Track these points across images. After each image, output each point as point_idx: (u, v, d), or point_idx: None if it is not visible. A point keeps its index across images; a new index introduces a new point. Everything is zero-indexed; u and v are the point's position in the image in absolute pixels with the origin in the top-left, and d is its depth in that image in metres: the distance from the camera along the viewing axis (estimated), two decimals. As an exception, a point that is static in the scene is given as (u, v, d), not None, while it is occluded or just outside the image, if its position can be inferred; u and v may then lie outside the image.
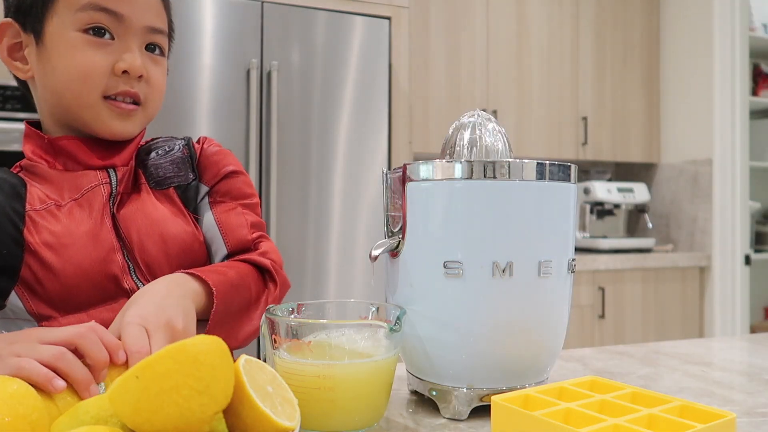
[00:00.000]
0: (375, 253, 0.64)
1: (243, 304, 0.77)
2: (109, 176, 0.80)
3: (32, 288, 0.73)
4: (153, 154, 0.87)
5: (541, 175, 0.61)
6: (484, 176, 0.60)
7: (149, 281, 0.76)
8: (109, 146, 0.81)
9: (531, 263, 0.60)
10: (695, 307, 2.94)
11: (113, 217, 0.78)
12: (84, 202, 0.77)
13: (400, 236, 0.64)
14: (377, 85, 2.24)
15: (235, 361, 0.51)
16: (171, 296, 0.66)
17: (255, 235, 0.86)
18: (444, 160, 0.61)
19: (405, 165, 0.64)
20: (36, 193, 0.77)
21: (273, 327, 0.59)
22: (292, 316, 0.63)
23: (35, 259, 0.73)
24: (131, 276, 0.77)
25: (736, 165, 2.88)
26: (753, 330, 3.22)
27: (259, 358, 0.68)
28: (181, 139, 0.90)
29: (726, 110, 2.88)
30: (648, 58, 3.14)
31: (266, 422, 0.47)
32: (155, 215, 0.80)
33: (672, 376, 0.78)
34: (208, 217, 0.85)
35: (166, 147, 0.88)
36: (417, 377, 0.66)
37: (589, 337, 2.72)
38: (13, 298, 0.74)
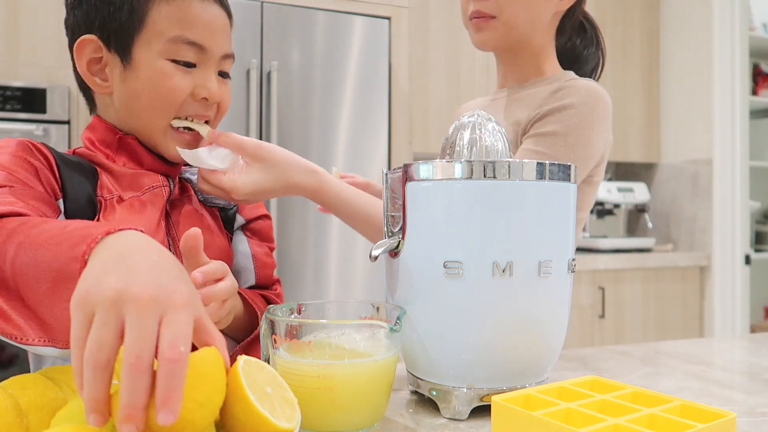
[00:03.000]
0: (375, 253, 0.64)
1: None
2: (168, 181, 0.84)
3: None
4: (196, 176, 0.90)
5: (541, 175, 0.61)
6: (484, 176, 0.60)
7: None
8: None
9: (531, 263, 0.60)
10: (695, 307, 2.94)
11: (167, 218, 0.82)
12: (146, 200, 0.80)
13: (400, 236, 0.64)
14: (377, 85, 2.24)
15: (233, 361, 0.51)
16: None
17: (276, 278, 0.97)
18: (444, 160, 0.61)
19: (405, 165, 0.64)
20: (104, 181, 0.80)
21: (273, 327, 0.59)
22: (292, 316, 0.63)
23: None
24: None
25: (736, 165, 2.88)
26: (753, 330, 3.22)
27: (259, 358, 0.68)
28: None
29: (726, 110, 2.88)
30: (648, 58, 3.14)
31: (264, 424, 0.47)
32: (202, 225, 0.85)
33: (672, 376, 0.78)
34: (244, 247, 0.92)
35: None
36: (417, 377, 0.66)
37: (589, 337, 2.72)
38: None
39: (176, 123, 0.81)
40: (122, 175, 0.81)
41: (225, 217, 0.92)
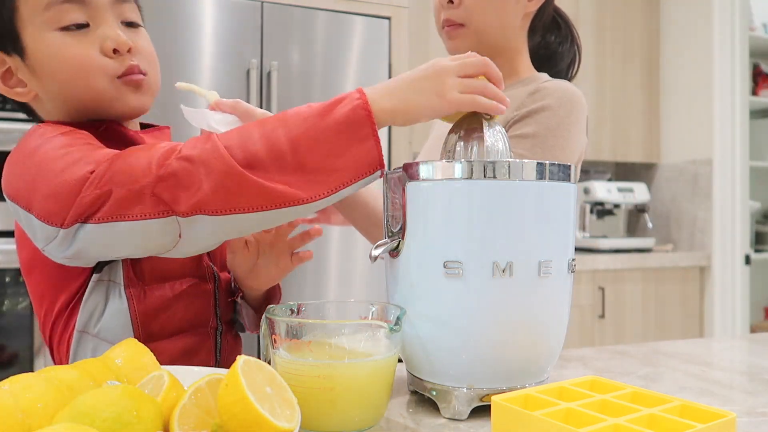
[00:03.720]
0: (375, 253, 0.64)
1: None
2: None
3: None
4: None
5: (541, 175, 0.61)
6: (484, 176, 0.60)
7: (214, 263, 0.84)
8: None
9: (531, 263, 0.60)
10: (695, 307, 2.94)
11: None
12: None
13: (400, 236, 0.64)
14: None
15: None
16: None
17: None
18: (444, 160, 0.61)
19: (405, 165, 0.64)
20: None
21: (273, 327, 0.59)
22: (292, 316, 0.63)
23: None
24: (209, 256, 0.83)
25: (736, 165, 2.88)
26: (753, 330, 3.22)
27: (259, 358, 0.68)
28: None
29: (726, 110, 2.88)
30: (648, 58, 3.14)
31: (264, 425, 0.47)
32: None
33: (672, 376, 0.78)
34: None
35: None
36: (417, 377, 0.66)
37: (589, 337, 2.72)
38: (117, 261, 0.76)
39: (181, 85, 0.80)
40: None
41: None
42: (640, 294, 2.82)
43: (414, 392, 0.70)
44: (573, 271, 0.65)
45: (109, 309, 0.76)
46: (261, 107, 2.09)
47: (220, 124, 0.78)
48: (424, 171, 0.62)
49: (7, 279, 1.91)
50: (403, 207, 0.64)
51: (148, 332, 0.77)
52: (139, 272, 0.77)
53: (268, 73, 2.08)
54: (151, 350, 0.66)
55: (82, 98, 0.76)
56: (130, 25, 0.79)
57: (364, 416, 0.58)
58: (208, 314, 0.82)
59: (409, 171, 0.63)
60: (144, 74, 0.78)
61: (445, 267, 0.60)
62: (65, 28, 0.73)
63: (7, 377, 0.49)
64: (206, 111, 0.79)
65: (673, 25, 3.11)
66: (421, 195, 0.62)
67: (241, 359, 0.50)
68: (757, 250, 3.30)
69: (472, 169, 0.60)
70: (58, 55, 0.73)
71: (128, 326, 0.76)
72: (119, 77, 0.76)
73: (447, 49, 1.03)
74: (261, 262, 0.86)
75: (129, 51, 0.76)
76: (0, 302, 1.91)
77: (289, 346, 0.58)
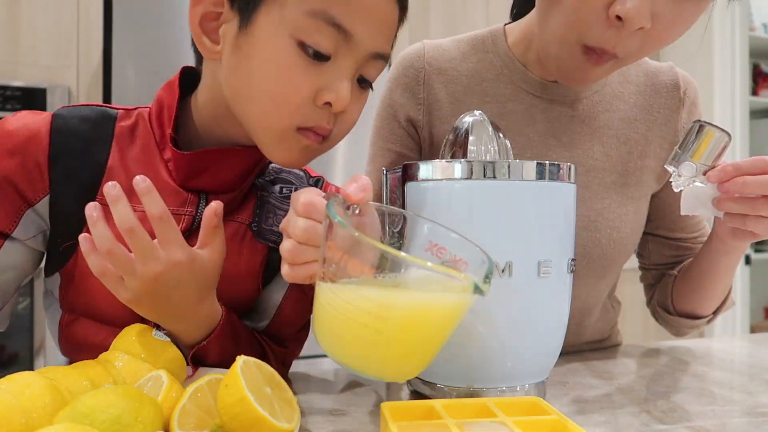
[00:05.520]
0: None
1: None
2: (198, 205, 0.69)
3: (70, 281, 0.69)
4: (277, 189, 0.77)
5: (540, 175, 0.61)
6: (484, 176, 0.59)
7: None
8: (228, 164, 0.69)
9: (530, 263, 0.60)
10: (695, 307, 2.94)
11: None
12: None
13: (400, 236, 0.64)
14: (377, 85, 2.23)
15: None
16: None
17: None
18: (444, 160, 0.61)
19: (405, 165, 0.64)
20: (115, 176, 0.68)
21: (332, 231, 0.49)
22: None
23: (82, 259, 0.64)
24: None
25: (736, 165, 2.88)
26: (753, 330, 3.22)
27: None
28: (312, 182, 0.81)
29: (726, 110, 2.88)
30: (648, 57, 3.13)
31: (264, 425, 0.47)
32: (227, 271, 0.67)
33: (672, 375, 0.78)
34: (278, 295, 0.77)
35: (294, 187, 0.78)
36: (417, 377, 0.66)
37: (589, 337, 2.71)
38: (56, 277, 0.71)
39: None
40: (146, 174, 0.64)
41: (271, 259, 0.75)
42: (640, 294, 2.81)
43: (414, 392, 0.70)
44: (573, 271, 0.65)
45: (52, 324, 0.75)
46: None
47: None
48: (423, 171, 0.62)
49: (7, 279, 1.91)
50: (403, 207, 0.64)
51: (72, 360, 0.72)
52: (69, 300, 0.70)
53: (268, 73, 2.08)
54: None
55: (248, 115, 0.64)
56: (364, 82, 0.67)
57: (407, 368, 0.52)
58: None
59: (409, 171, 0.63)
60: (324, 137, 0.66)
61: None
62: (303, 46, 0.60)
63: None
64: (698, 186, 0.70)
65: (673, 25, 3.11)
66: (421, 195, 0.62)
67: (241, 359, 0.50)
68: (757, 251, 3.30)
69: (471, 169, 0.60)
70: (273, 64, 0.61)
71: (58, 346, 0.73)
72: (300, 129, 0.63)
73: (575, 79, 0.77)
74: None
75: (338, 113, 0.64)
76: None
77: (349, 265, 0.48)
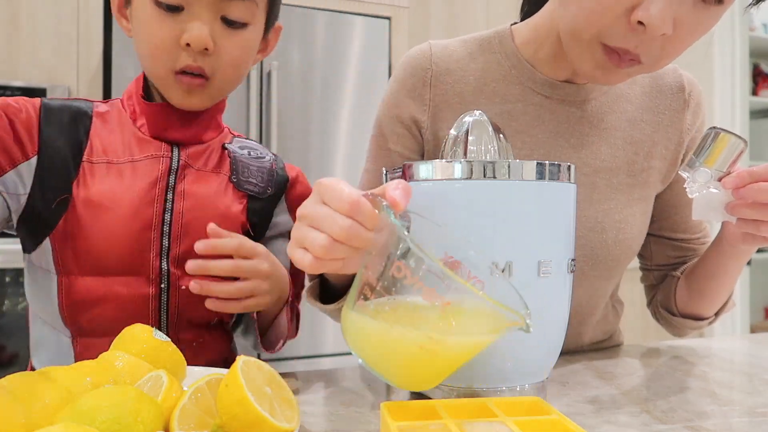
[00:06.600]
0: (375, 253, 0.63)
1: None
2: (172, 152, 0.81)
3: (64, 241, 0.75)
4: (245, 152, 0.89)
5: (540, 175, 0.61)
6: (484, 176, 0.59)
7: (177, 268, 0.78)
8: (186, 120, 0.82)
9: (531, 263, 0.60)
10: (695, 307, 2.94)
11: (167, 188, 0.79)
12: (140, 168, 0.78)
13: (400, 236, 0.64)
14: (377, 85, 2.24)
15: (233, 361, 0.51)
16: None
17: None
18: (444, 160, 0.61)
19: (405, 165, 0.64)
20: (97, 143, 0.78)
21: (408, 256, 0.50)
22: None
23: (74, 214, 0.75)
24: (160, 258, 0.77)
25: (736, 165, 2.88)
26: (753, 330, 3.22)
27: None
28: (272, 153, 0.94)
29: (726, 110, 2.88)
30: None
31: (264, 425, 0.47)
32: (215, 209, 0.81)
33: (672, 376, 0.78)
34: (283, 252, 0.84)
35: (258, 151, 0.92)
36: (417, 377, 0.66)
37: (589, 337, 2.71)
38: (45, 245, 0.76)
39: None
40: (132, 137, 0.80)
41: (252, 207, 0.86)
42: (640, 294, 2.81)
43: (414, 392, 0.70)
44: (573, 271, 0.65)
45: (44, 296, 0.77)
46: (261, 107, 2.09)
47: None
48: (423, 171, 0.62)
49: (7, 279, 1.91)
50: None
51: (76, 326, 0.76)
52: (65, 261, 0.75)
53: (268, 73, 2.08)
54: (82, 346, 0.73)
55: (148, 73, 0.80)
56: (232, 24, 0.76)
57: (432, 382, 0.56)
58: (144, 320, 0.75)
59: (409, 171, 0.63)
60: (205, 77, 0.77)
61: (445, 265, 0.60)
62: (158, 3, 0.73)
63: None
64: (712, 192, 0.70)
65: (673, 25, 3.11)
66: (421, 195, 0.62)
67: (241, 359, 0.50)
68: (757, 250, 3.30)
69: (471, 169, 0.60)
70: (142, 28, 0.75)
71: (58, 317, 0.76)
72: (177, 72, 0.76)
73: (595, 77, 0.75)
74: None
75: (206, 50, 0.75)
76: (0, 302, 1.91)
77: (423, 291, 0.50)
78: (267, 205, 0.88)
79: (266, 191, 0.88)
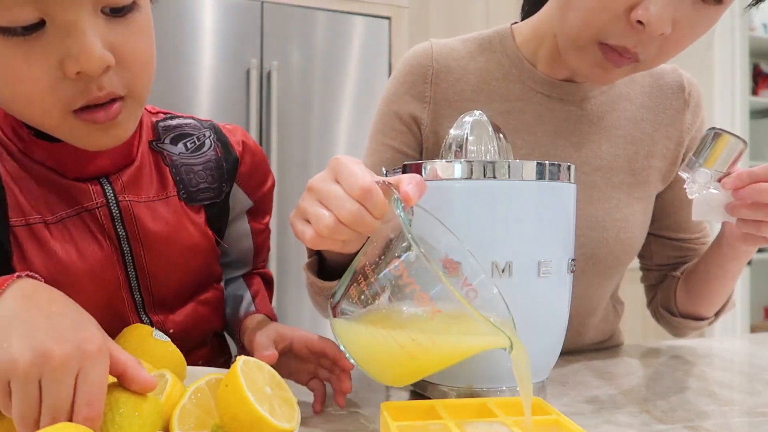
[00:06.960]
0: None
1: None
2: (104, 189, 0.64)
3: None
4: (181, 146, 0.73)
5: (540, 175, 0.61)
6: (484, 176, 0.59)
7: (158, 314, 0.70)
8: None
9: (530, 263, 0.60)
10: (695, 307, 2.94)
11: (118, 238, 0.65)
12: (79, 223, 0.63)
13: (400, 236, 0.64)
14: (377, 85, 2.24)
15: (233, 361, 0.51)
16: None
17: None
18: (444, 160, 0.61)
19: (405, 165, 0.64)
20: (16, 198, 0.61)
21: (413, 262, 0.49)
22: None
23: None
24: (137, 312, 0.69)
25: (736, 165, 2.88)
26: (753, 330, 3.22)
27: None
28: (207, 126, 0.76)
29: (726, 110, 2.88)
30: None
31: (264, 425, 0.47)
32: (179, 246, 0.69)
33: (672, 376, 0.78)
34: (245, 233, 0.81)
35: (195, 138, 0.75)
36: (417, 377, 0.66)
37: (589, 337, 2.71)
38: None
39: None
40: (49, 183, 0.61)
41: (210, 210, 0.75)
42: (640, 294, 2.81)
43: (414, 392, 0.70)
44: (573, 271, 0.65)
45: None
46: (261, 107, 2.09)
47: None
48: (423, 171, 0.62)
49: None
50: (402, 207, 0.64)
51: None
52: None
53: (268, 73, 2.08)
54: None
55: (33, 124, 0.58)
56: (117, 11, 0.53)
57: (415, 378, 0.57)
58: None
59: (409, 171, 0.63)
60: (120, 98, 0.55)
61: (444, 267, 0.60)
62: (5, 31, 0.48)
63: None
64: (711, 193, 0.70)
65: (673, 25, 3.11)
66: (421, 195, 0.62)
67: (241, 359, 0.50)
68: (757, 250, 3.30)
69: (471, 169, 0.60)
70: (1, 73, 0.51)
71: None
72: (77, 111, 0.54)
73: (593, 76, 0.76)
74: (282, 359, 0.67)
75: (108, 68, 0.52)
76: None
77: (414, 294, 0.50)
78: (224, 201, 0.76)
79: (221, 190, 0.75)
